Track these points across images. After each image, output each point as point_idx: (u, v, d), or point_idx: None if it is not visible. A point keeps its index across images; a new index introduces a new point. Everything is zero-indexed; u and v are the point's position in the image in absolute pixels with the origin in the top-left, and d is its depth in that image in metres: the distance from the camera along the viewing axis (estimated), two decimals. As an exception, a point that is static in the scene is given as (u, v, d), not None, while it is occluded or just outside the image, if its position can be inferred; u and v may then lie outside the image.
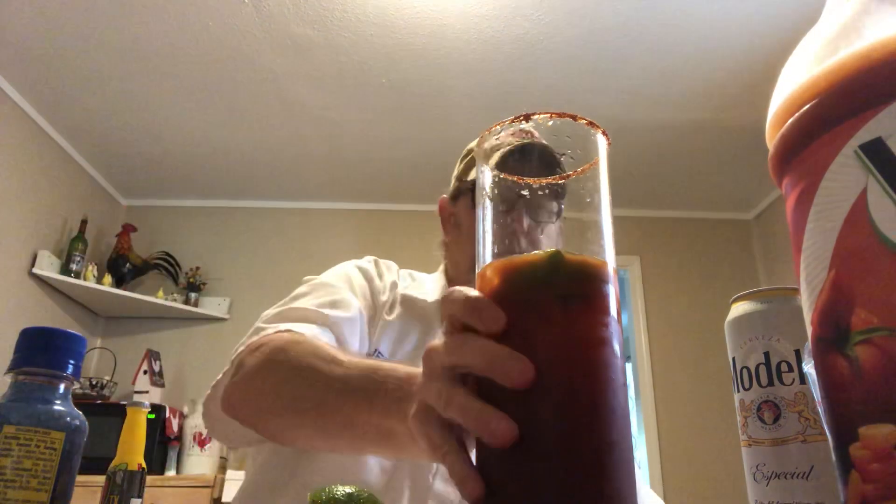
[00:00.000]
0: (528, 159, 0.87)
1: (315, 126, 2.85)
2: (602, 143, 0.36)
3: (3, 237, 2.58)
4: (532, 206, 0.33)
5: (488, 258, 0.36)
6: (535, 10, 2.21)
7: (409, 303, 0.91)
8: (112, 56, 2.42)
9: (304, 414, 0.61)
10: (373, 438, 0.54)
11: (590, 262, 0.34)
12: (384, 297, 0.91)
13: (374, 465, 0.76)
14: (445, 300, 0.36)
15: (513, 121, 0.35)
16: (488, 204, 0.37)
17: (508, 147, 0.87)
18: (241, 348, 0.72)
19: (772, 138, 0.32)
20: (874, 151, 0.26)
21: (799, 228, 0.30)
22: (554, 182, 0.36)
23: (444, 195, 1.01)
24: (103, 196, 3.32)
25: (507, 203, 0.37)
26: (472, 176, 0.91)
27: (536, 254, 0.34)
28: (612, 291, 0.34)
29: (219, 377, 0.73)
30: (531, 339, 0.32)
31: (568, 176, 0.35)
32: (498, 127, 0.36)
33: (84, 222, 3.00)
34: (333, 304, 0.81)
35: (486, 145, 0.38)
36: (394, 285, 0.94)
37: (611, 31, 2.30)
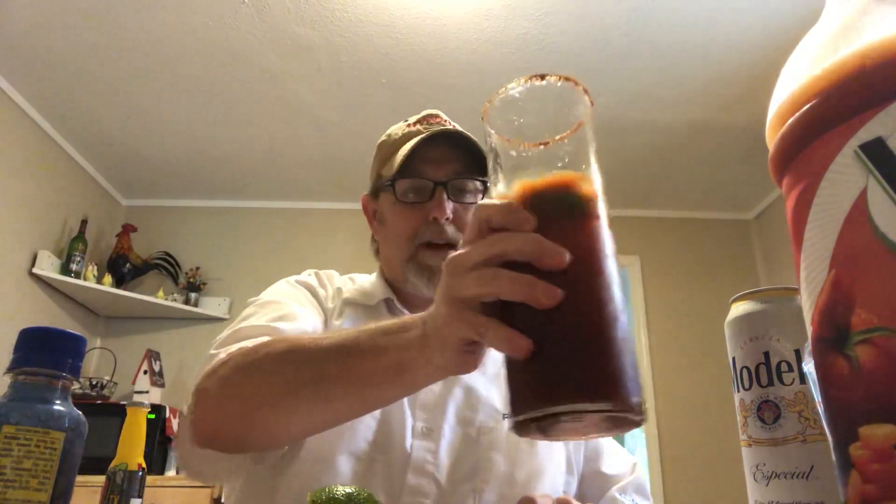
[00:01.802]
0: (437, 145, 0.89)
1: (315, 126, 2.85)
2: (587, 103, 0.42)
3: (3, 237, 2.58)
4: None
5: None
6: (535, 10, 2.21)
7: (353, 305, 0.91)
8: (112, 56, 2.42)
9: (301, 391, 0.61)
10: (382, 381, 0.56)
11: (589, 187, 0.41)
12: (331, 305, 0.92)
13: (345, 468, 0.76)
14: (479, 208, 0.42)
15: (528, 79, 0.41)
16: (494, 160, 0.43)
17: (420, 137, 0.89)
18: (197, 380, 0.70)
19: (772, 138, 0.32)
20: (874, 151, 0.26)
21: (799, 228, 0.30)
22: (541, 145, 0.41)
23: (366, 193, 1.00)
24: (103, 196, 3.32)
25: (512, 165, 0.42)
26: (394, 168, 0.89)
27: (554, 181, 0.41)
28: (603, 208, 0.41)
29: (184, 416, 0.70)
30: (559, 237, 0.39)
31: (566, 136, 0.40)
32: (513, 83, 0.41)
33: (84, 222, 3.00)
34: (283, 318, 0.80)
35: (492, 106, 0.43)
36: (339, 291, 0.94)
37: (611, 32, 2.30)
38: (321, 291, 0.93)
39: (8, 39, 2.33)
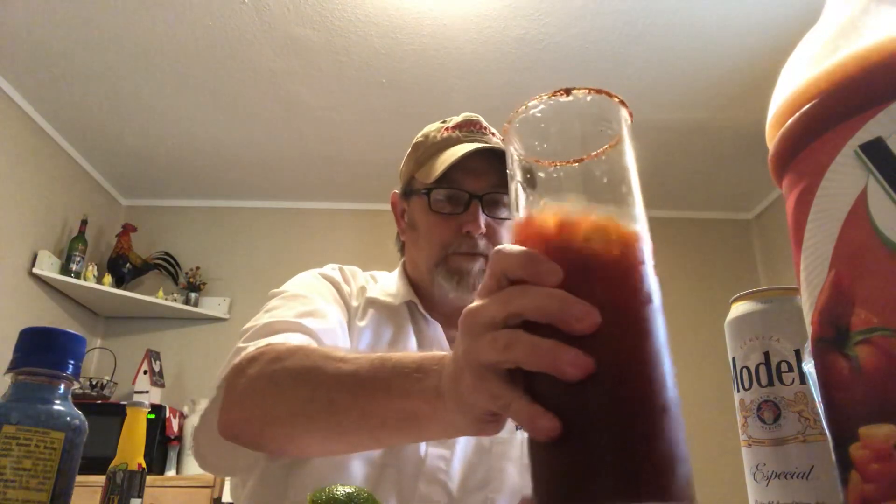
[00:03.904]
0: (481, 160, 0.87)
1: (315, 126, 2.85)
2: (626, 118, 0.36)
3: (3, 237, 2.57)
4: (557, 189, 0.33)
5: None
6: (535, 10, 2.21)
7: (377, 306, 0.91)
8: (112, 56, 2.42)
9: (315, 416, 0.59)
10: (393, 426, 0.53)
11: (630, 224, 0.35)
12: (355, 303, 0.91)
13: (357, 472, 0.76)
14: (495, 256, 0.36)
15: (552, 94, 0.35)
16: (518, 185, 0.36)
17: (466, 151, 0.86)
18: (226, 372, 0.69)
19: (772, 138, 0.32)
20: (874, 151, 0.26)
21: (799, 228, 0.30)
22: (570, 164, 0.35)
23: (396, 190, 0.98)
24: (103, 196, 3.32)
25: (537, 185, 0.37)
26: (431, 175, 0.87)
27: (587, 216, 0.34)
28: (648, 250, 0.35)
29: (207, 406, 0.70)
30: (590, 293, 0.32)
31: (602, 152, 0.35)
32: (535, 101, 0.35)
33: (84, 222, 3.00)
34: (310, 315, 0.79)
35: (512, 127, 0.37)
36: (362, 290, 0.93)
37: (610, 32, 2.30)
38: (345, 288, 0.92)
39: (8, 39, 2.33)
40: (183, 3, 2.18)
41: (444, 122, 0.96)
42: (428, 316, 0.92)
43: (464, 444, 0.81)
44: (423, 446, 0.79)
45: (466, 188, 0.87)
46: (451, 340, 0.91)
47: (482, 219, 0.86)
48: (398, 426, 0.53)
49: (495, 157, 0.87)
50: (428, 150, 0.92)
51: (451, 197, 0.88)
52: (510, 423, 0.82)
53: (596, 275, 0.33)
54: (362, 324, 0.88)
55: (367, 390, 0.54)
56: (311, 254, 3.29)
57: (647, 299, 0.33)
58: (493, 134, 0.93)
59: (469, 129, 0.92)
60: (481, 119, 0.95)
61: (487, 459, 0.80)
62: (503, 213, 0.89)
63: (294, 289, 0.87)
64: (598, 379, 0.31)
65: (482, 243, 0.87)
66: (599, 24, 2.26)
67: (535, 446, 0.33)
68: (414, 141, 0.97)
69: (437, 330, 0.91)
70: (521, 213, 0.36)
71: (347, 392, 0.56)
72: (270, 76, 2.53)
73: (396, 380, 0.51)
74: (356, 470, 0.76)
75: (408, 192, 0.95)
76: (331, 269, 0.95)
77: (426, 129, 0.97)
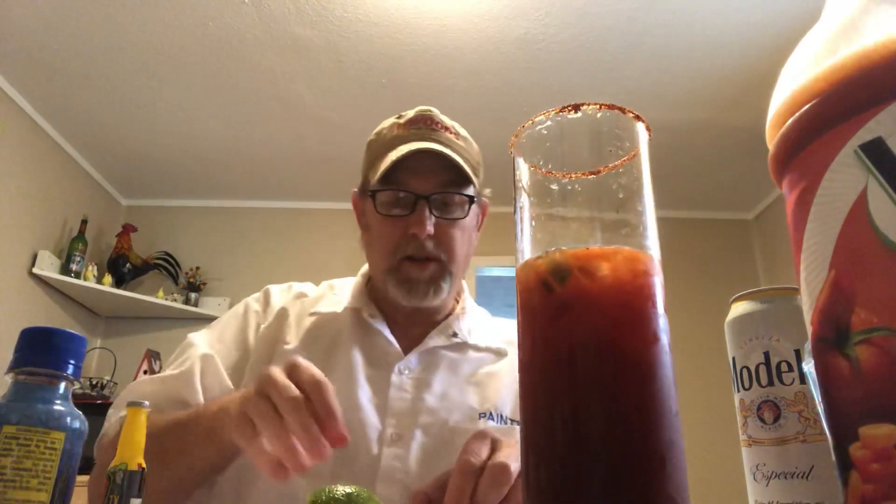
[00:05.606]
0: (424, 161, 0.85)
1: (315, 126, 2.85)
2: (643, 133, 0.34)
3: (3, 237, 2.57)
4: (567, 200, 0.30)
5: (528, 254, 0.34)
6: (535, 10, 2.21)
7: (316, 318, 0.91)
8: (112, 56, 2.42)
9: (161, 465, 0.66)
10: (203, 444, 0.69)
11: (641, 258, 0.32)
12: (265, 325, 0.92)
13: (301, 493, 0.74)
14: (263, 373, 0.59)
15: (560, 110, 0.33)
16: (524, 197, 0.34)
17: (408, 149, 0.84)
18: (99, 441, 0.82)
19: (772, 138, 0.32)
20: (874, 151, 0.26)
21: (799, 228, 0.30)
22: (584, 176, 0.33)
23: (355, 189, 0.97)
24: (103, 196, 3.32)
25: (544, 197, 0.34)
26: (376, 175, 0.86)
27: (585, 249, 0.31)
28: (659, 284, 0.32)
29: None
30: (589, 332, 0.30)
31: (616, 167, 0.33)
32: (542, 117, 0.33)
33: (84, 222, 3.00)
34: (178, 378, 0.84)
35: (521, 138, 0.35)
36: (283, 311, 0.93)
37: (611, 32, 2.30)
38: (256, 320, 0.94)
39: (8, 40, 2.33)
40: (183, 3, 2.18)
41: (398, 117, 0.93)
42: (371, 321, 0.90)
43: (421, 440, 0.80)
44: (375, 447, 0.79)
45: (412, 189, 0.85)
46: (400, 340, 0.90)
47: (429, 221, 0.84)
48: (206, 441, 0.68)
49: (444, 156, 0.84)
50: (379, 148, 0.90)
51: (396, 199, 0.86)
52: (472, 412, 0.83)
53: (595, 313, 0.30)
54: (289, 347, 0.87)
55: (181, 438, 0.70)
56: (311, 254, 3.29)
57: (654, 338, 0.30)
58: (446, 129, 0.89)
59: (419, 125, 0.89)
60: (435, 113, 0.91)
61: (448, 452, 0.76)
62: (455, 213, 0.87)
63: (200, 336, 0.91)
64: (595, 428, 0.29)
65: (430, 245, 0.85)
66: (600, 23, 2.26)
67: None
68: (368, 139, 0.95)
69: (379, 336, 0.90)
70: (526, 230, 0.34)
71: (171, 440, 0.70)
72: (270, 76, 2.53)
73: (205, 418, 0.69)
74: (302, 491, 0.73)
75: (362, 191, 0.93)
76: (255, 300, 0.98)
77: (380, 126, 0.94)
